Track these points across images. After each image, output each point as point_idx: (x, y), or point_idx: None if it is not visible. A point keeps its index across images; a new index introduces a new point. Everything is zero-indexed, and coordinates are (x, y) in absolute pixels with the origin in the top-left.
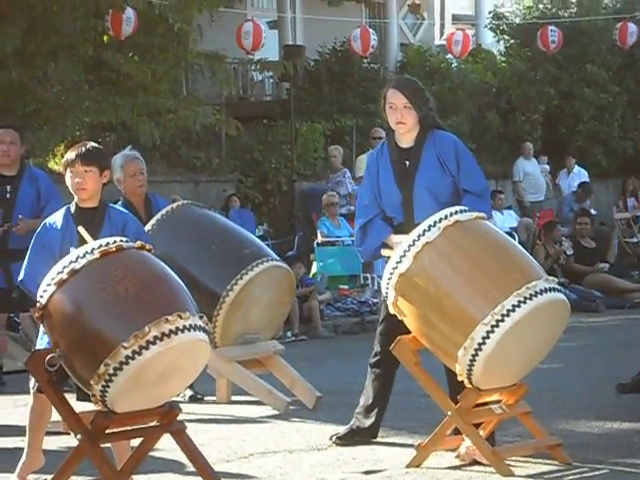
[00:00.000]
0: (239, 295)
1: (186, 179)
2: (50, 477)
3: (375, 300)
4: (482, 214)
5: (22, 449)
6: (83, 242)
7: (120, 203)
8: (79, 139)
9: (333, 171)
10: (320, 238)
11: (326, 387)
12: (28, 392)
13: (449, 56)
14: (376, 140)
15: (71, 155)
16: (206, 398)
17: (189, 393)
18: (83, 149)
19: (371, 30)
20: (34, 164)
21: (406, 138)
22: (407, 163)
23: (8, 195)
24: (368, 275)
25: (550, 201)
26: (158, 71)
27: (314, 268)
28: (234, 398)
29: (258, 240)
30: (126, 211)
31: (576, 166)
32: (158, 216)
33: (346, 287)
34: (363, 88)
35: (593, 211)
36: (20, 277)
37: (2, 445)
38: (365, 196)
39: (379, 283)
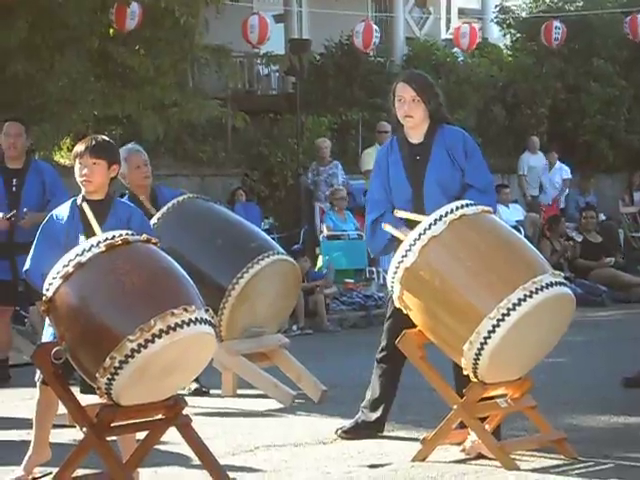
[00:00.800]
0: (245, 288)
1: (192, 173)
2: (56, 470)
3: (381, 294)
4: (488, 208)
5: (29, 442)
6: (89, 234)
7: (126, 197)
8: (85, 132)
9: (322, 163)
10: (326, 232)
11: (332, 381)
12: (34, 385)
13: (455, 50)
14: (382, 134)
15: (81, 147)
16: (212, 391)
17: (194, 386)
18: (93, 142)
19: (374, 26)
20: (40, 157)
21: (416, 133)
22: (417, 158)
23: (14, 188)
24: (374, 269)
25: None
26: (164, 64)
27: (320, 262)
28: (240, 391)
29: (264, 234)
30: (131, 204)
31: (558, 162)
32: (164, 209)
33: (352, 281)
34: (369, 82)
35: (602, 216)
36: (25, 267)
37: (9, 438)
38: (376, 191)
39: (385, 277)
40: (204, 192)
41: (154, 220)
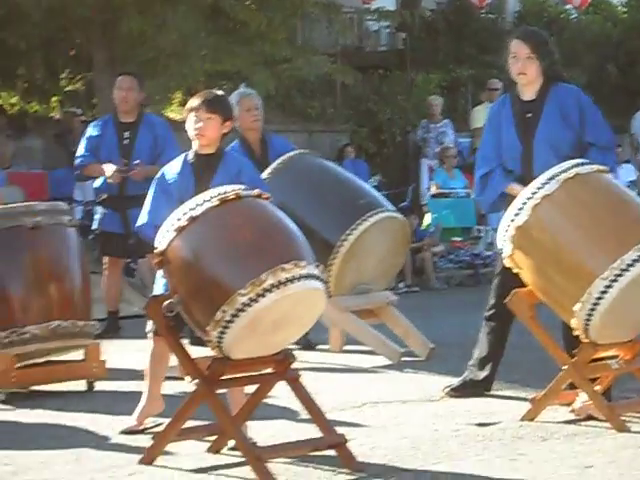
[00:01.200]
0: (354, 245)
1: (300, 129)
2: (167, 421)
3: (488, 253)
4: (603, 167)
5: (137, 393)
6: (199, 190)
7: (236, 141)
8: (196, 87)
9: (433, 121)
10: (434, 189)
11: (439, 338)
12: (143, 337)
13: (568, 7)
14: (492, 91)
15: (197, 100)
16: (319, 347)
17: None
18: (210, 96)
19: None
20: (152, 112)
21: (528, 90)
22: (529, 116)
23: (126, 141)
24: (482, 227)
25: None
26: (275, 20)
27: (426, 219)
28: (347, 347)
29: (374, 190)
30: (243, 157)
31: None
32: (274, 165)
33: (459, 239)
34: (480, 39)
35: None
36: (139, 222)
37: (118, 389)
38: (486, 146)
39: (493, 236)
40: (312, 148)
41: (265, 175)
